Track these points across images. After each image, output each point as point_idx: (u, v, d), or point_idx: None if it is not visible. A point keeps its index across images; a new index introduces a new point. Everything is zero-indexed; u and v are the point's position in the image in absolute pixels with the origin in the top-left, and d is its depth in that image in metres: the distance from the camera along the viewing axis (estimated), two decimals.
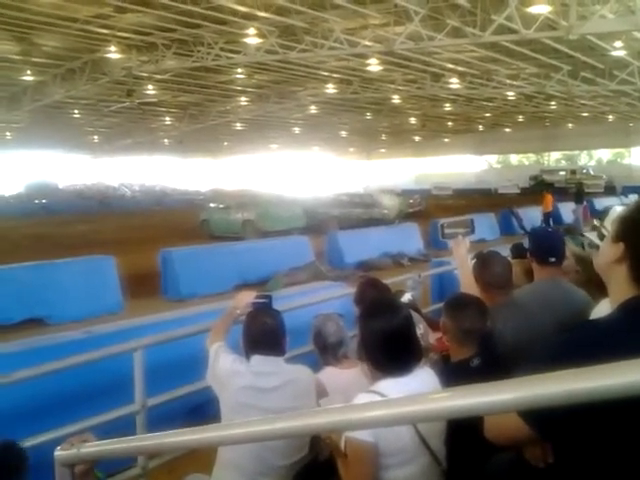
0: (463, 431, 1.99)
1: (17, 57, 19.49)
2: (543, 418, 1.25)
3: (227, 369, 2.74)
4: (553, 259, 3.15)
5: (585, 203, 20.73)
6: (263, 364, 2.69)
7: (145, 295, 9.95)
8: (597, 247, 2.53)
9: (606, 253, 1.45)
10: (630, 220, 1.42)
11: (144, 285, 10.52)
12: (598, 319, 1.50)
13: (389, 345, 2.25)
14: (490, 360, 2.52)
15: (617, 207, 2.41)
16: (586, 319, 1.92)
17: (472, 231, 3.49)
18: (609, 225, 2.35)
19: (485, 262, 3.06)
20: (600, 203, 22.96)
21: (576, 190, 22.31)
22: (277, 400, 2.60)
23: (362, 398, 2.17)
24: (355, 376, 2.78)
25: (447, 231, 3.42)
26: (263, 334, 2.72)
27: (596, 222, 3.18)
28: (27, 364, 3.29)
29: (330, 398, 2.80)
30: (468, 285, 3.09)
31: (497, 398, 0.96)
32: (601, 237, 2.43)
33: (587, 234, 2.77)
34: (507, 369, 2.44)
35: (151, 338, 3.60)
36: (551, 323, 2.80)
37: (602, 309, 1.99)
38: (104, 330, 4.57)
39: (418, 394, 1.41)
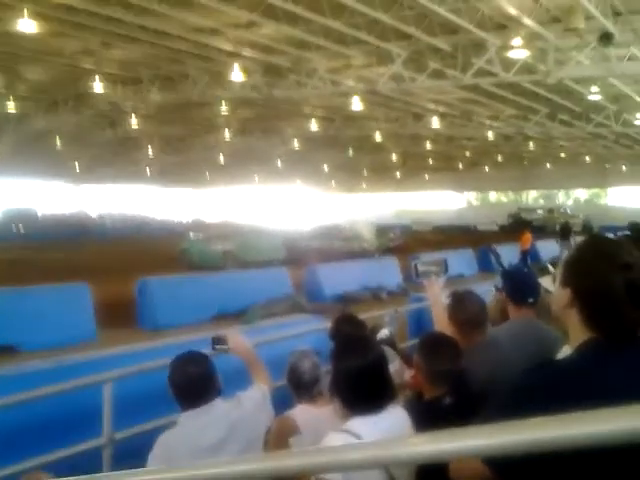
0: (432, 472, 1.98)
1: (0, 89, 19.46)
2: (505, 464, 1.25)
3: None
4: (531, 300, 3.18)
5: (571, 241, 20.90)
6: (195, 418, 2.62)
7: (120, 324, 9.82)
8: (552, 294, 2.55)
9: (558, 299, 1.48)
10: (572, 264, 1.45)
11: (120, 314, 10.37)
12: (553, 362, 1.53)
13: (360, 383, 2.24)
14: (462, 399, 2.52)
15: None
16: (540, 362, 1.94)
17: (445, 271, 3.50)
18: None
19: (460, 301, 3.07)
20: (575, 240, 23.29)
21: (562, 228, 22.61)
22: (230, 451, 2.57)
23: (333, 437, 2.15)
24: (329, 414, 2.74)
25: (421, 269, 3.44)
26: (189, 384, 2.63)
27: (551, 268, 3.21)
28: None
29: (302, 436, 2.77)
30: (442, 325, 3.10)
31: (467, 444, 0.97)
32: (555, 282, 2.46)
33: (541, 280, 2.78)
34: (479, 408, 2.44)
35: (120, 371, 3.54)
36: (524, 364, 2.81)
37: (566, 354, 2.02)
38: (74, 360, 4.48)
39: (392, 438, 1.41)
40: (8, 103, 21.24)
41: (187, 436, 2.58)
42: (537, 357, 2.82)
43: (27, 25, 12.54)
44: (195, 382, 2.63)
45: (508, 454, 0.95)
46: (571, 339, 1.45)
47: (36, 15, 12.37)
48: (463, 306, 3.04)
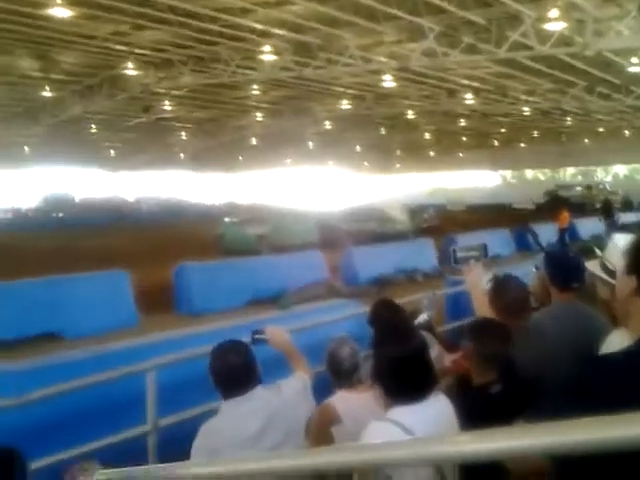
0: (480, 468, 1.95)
1: (36, 74, 19.85)
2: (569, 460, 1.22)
3: None
4: (576, 284, 3.08)
5: (615, 217, 20.48)
6: (236, 406, 2.62)
7: (159, 310, 9.98)
8: (599, 278, 2.45)
9: (622, 286, 1.43)
10: (636, 252, 1.39)
11: (158, 299, 10.53)
12: (614, 353, 1.46)
13: (403, 372, 2.22)
14: (510, 387, 2.49)
15: (617, 237, 2.31)
16: (601, 353, 1.87)
17: (485, 256, 3.43)
18: (611, 256, 2.28)
19: (501, 287, 3.02)
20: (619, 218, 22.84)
21: (603, 205, 22.11)
22: (271, 440, 2.59)
23: (376, 426, 2.14)
24: (369, 401, 2.73)
25: (459, 255, 3.38)
26: (229, 373, 2.62)
27: (598, 252, 3.10)
28: (40, 382, 3.30)
29: (343, 425, 2.76)
30: (483, 311, 3.05)
31: (522, 443, 0.97)
32: (604, 268, 2.37)
33: (587, 264, 2.69)
34: (526, 397, 2.40)
35: (163, 358, 3.59)
36: (570, 350, 2.74)
37: (614, 341, 1.95)
38: (117, 349, 4.57)
39: (444, 435, 1.39)
40: (43, 88, 21.71)
41: (228, 425, 2.60)
42: (584, 343, 2.75)
43: (60, 9, 12.77)
44: (236, 371, 2.64)
45: (561, 454, 0.93)
46: (632, 328, 1.40)
47: None
48: (505, 291, 2.99)
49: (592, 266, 2.55)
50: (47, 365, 4.15)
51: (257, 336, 3.15)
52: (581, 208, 30.49)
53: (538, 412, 1.34)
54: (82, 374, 3.48)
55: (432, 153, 51.30)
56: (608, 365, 1.34)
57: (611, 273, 2.27)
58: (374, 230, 21.03)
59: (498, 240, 16.85)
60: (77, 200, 43.25)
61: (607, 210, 21.09)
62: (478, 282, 3.23)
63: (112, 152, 42.96)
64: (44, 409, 3.42)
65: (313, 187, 56.77)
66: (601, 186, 43.85)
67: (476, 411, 2.34)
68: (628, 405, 0.86)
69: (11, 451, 2.09)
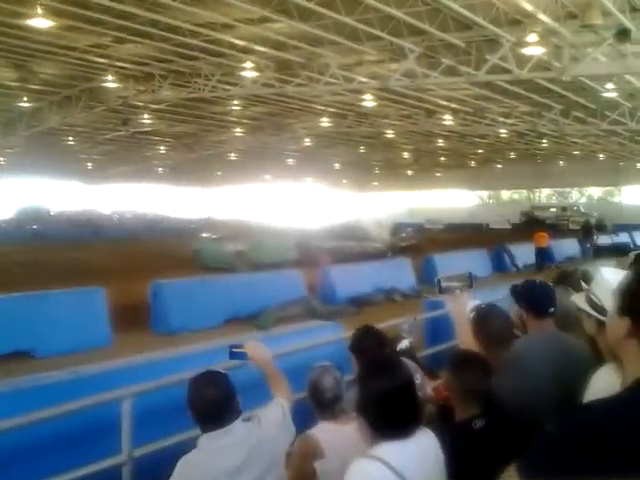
0: None
1: (14, 84, 19.59)
2: None
3: None
4: (552, 309, 3.06)
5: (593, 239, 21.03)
6: (215, 441, 2.56)
7: (134, 328, 9.78)
8: (585, 312, 2.41)
9: (614, 328, 1.39)
10: (630, 293, 1.36)
11: (133, 316, 10.33)
12: (605, 399, 1.38)
13: (389, 407, 2.17)
14: (494, 422, 2.45)
15: (605, 271, 2.28)
16: (595, 399, 1.79)
17: (470, 285, 3.40)
18: (599, 292, 2.25)
19: (484, 317, 2.98)
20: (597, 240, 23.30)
21: (583, 227, 22.62)
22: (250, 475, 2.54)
23: (362, 464, 2.07)
24: (352, 433, 2.67)
25: (444, 285, 3.33)
26: (206, 407, 2.55)
27: (584, 285, 3.08)
28: (12, 407, 3.17)
29: (327, 460, 2.69)
30: (466, 342, 3.01)
31: None
32: (590, 302, 2.34)
33: (574, 297, 2.66)
34: (511, 433, 2.36)
35: (140, 386, 3.47)
36: (552, 382, 2.72)
37: (602, 380, 1.91)
38: (91, 372, 4.42)
39: None
40: (21, 98, 21.41)
41: (207, 460, 2.52)
42: (566, 375, 2.72)
43: (40, 20, 12.61)
44: (214, 405, 2.55)
45: None
46: (627, 372, 1.35)
47: (49, 10, 12.37)
48: (488, 322, 2.96)
49: (578, 299, 2.52)
50: (16, 389, 3.98)
51: (236, 350, 3.05)
52: (556, 229, 30.92)
53: (528, 459, 1.28)
54: (54, 399, 3.35)
55: (410, 172, 51.76)
56: (601, 414, 1.27)
57: (600, 309, 2.24)
58: (353, 248, 21.01)
59: (475, 260, 16.98)
60: (52, 212, 42.57)
61: (586, 232, 21.48)
62: (463, 311, 3.19)
63: (89, 164, 42.50)
64: (12, 438, 3.28)
65: (292, 203, 56.71)
66: (575, 208, 44.58)
67: (460, 447, 2.30)
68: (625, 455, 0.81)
69: None
